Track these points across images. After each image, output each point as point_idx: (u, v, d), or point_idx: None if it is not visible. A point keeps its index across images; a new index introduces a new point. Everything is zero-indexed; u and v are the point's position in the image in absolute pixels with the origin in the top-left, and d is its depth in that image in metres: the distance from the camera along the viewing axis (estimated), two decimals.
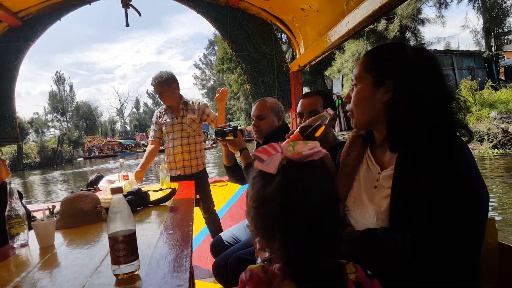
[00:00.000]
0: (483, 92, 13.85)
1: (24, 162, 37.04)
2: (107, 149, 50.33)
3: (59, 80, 57.32)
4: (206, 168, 3.29)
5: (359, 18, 1.92)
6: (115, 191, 0.95)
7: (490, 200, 6.33)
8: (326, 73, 20.06)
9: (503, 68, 19.41)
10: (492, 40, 17.94)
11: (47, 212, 1.41)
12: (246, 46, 3.36)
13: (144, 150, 3.58)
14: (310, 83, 23.25)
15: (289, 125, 2.74)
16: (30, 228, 1.40)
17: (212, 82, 60.25)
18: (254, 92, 3.41)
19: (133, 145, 51.59)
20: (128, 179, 2.40)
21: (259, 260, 0.84)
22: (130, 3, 2.85)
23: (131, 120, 71.57)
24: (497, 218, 5.67)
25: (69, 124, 57.09)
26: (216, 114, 3.13)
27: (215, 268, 1.91)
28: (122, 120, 73.38)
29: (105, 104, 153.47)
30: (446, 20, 15.32)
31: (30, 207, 2.39)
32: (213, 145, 34.57)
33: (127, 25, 2.95)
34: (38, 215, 2.04)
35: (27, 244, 1.37)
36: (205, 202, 3.13)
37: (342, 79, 20.03)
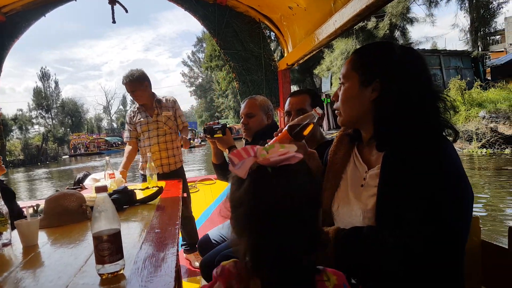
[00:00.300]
0: (472, 91, 14.04)
1: (7, 159, 36.25)
2: (93, 147, 49.68)
3: (44, 76, 56.06)
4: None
5: (347, 17, 1.94)
6: (99, 189, 0.94)
7: (479, 198, 6.46)
8: (315, 71, 20.16)
9: (489, 68, 19.72)
10: (479, 40, 18.25)
11: (30, 211, 1.38)
12: (234, 44, 3.35)
13: None
14: (299, 81, 23.28)
15: (277, 124, 2.74)
16: (13, 228, 1.37)
17: (200, 80, 59.87)
18: (242, 90, 3.40)
19: (119, 142, 50.66)
20: (114, 177, 2.37)
21: None
22: None
23: (118, 118, 70.66)
24: (483, 214, 5.79)
25: (54, 121, 55.95)
26: (182, 111, 3.24)
27: (202, 266, 1.91)
28: (109, 118, 72.56)
29: (92, 101, 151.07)
30: (435, 19, 15.58)
31: None
32: (202, 143, 34.39)
33: (114, 21, 2.92)
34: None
35: (10, 243, 1.34)
36: (185, 201, 3.11)
37: (331, 77, 20.14)
